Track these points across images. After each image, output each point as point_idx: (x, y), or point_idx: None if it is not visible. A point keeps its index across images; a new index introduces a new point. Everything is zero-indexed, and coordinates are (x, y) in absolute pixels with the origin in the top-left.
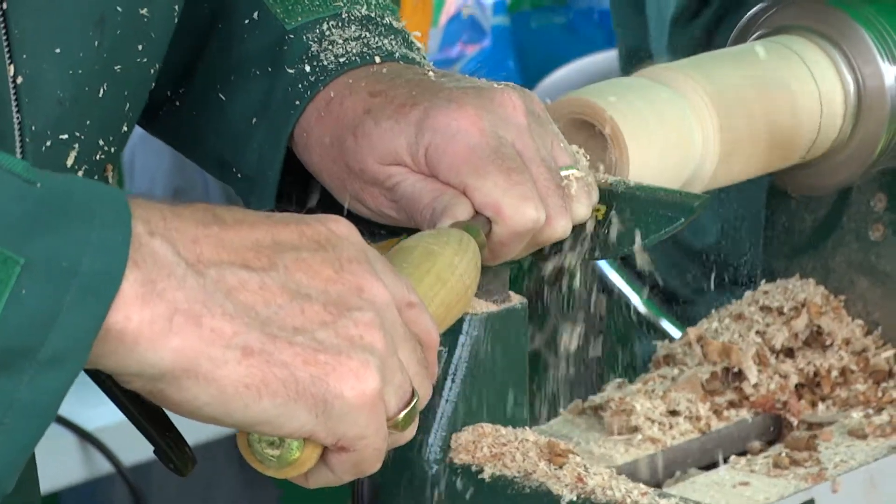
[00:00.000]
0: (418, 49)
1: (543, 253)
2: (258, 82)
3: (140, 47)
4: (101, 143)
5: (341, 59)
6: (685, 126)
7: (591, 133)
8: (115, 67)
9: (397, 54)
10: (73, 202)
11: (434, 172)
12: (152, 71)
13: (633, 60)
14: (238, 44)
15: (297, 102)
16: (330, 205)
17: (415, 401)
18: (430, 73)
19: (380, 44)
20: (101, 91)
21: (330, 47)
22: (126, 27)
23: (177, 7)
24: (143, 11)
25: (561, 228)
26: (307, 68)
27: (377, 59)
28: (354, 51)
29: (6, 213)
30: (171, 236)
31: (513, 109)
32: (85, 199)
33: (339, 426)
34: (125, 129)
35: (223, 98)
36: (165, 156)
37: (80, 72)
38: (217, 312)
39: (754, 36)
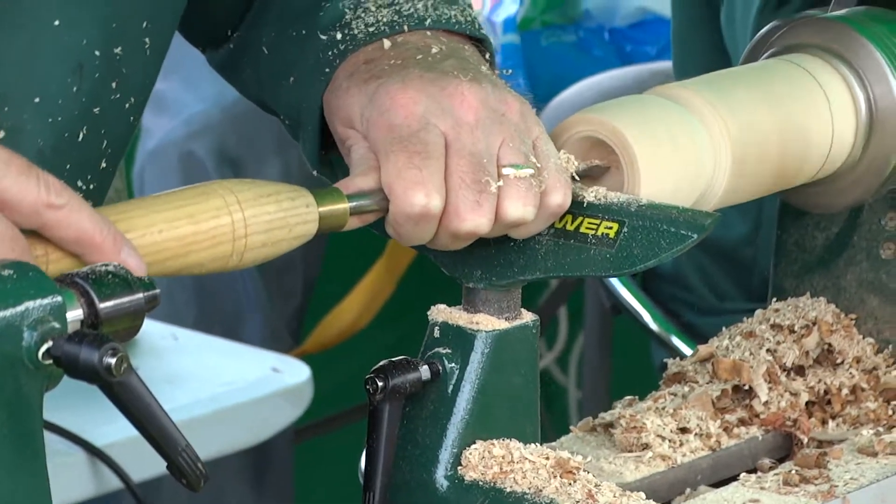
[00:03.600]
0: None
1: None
2: (294, 44)
3: (114, 85)
4: (79, 184)
5: (371, 29)
6: (697, 144)
7: (603, 151)
8: (94, 110)
9: (428, 21)
10: None
11: (368, 144)
12: (127, 105)
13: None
14: (280, 1)
15: (327, 70)
16: None
17: None
18: (433, 50)
19: (411, 10)
20: (81, 135)
21: (363, 15)
22: (103, 69)
23: (147, 39)
24: (117, 50)
25: (470, 223)
26: (338, 36)
27: (406, 28)
28: (385, 20)
29: None
30: None
31: (460, 103)
32: None
33: None
34: (104, 164)
35: (265, 51)
36: (175, 173)
37: (59, 119)
38: None
39: (766, 54)
